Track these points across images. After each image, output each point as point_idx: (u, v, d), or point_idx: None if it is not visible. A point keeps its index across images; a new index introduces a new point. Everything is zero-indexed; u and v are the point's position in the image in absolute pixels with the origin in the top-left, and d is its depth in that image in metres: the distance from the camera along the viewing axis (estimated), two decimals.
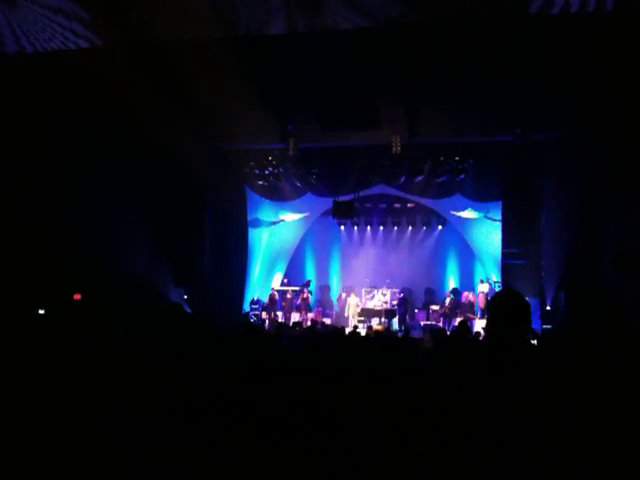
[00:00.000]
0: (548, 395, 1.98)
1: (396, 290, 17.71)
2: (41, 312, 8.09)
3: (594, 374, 2.13)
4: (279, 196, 16.09)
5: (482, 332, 11.28)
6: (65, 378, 2.30)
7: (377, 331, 10.65)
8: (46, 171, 9.93)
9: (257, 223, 16.84)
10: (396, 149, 12.52)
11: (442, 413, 2.03)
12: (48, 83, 9.25)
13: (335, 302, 18.54)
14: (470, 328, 12.23)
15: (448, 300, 16.57)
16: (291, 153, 13.30)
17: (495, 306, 2.48)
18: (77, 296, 11.03)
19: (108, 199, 10.98)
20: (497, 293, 2.72)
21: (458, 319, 14.17)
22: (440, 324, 15.76)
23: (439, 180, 14.57)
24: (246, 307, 16.26)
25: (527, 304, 2.44)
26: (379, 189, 16.34)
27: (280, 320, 16.09)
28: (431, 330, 12.72)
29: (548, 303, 13.03)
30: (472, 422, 1.96)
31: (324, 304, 18.49)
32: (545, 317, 12.90)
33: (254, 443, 2.02)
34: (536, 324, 13.20)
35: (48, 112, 9.60)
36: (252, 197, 16.00)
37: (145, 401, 2.17)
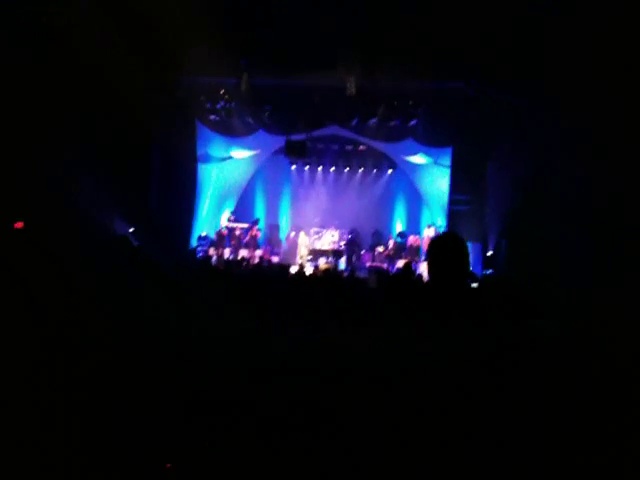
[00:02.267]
0: (546, 394, 2.02)
1: (344, 231, 17.94)
2: None
3: (591, 371, 2.12)
4: (230, 132, 15.74)
5: (425, 274, 11.66)
6: (63, 378, 2.23)
7: (323, 270, 10.85)
8: None
9: (207, 158, 16.53)
10: (350, 91, 12.43)
11: (442, 413, 2.04)
12: None
13: (284, 241, 18.67)
14: (414, 270, 12.64)
15: (392, 243, 16.95)
16: (243, 88, 13.02)
17: (434, 249, 2.52)
18: (19, 224, 10.70)
19: (53, 132, 10.54)
20: (436, 236, 2.75)
21: (401, 261, 14.55)
22: (385, 266, 16.15)
23: (392, 124, 14.57)
24: (194, 242, 16.18)
25: (465, 248, 2.51)
26: (332, 130, 16.21)
27: (227, 257, 16.13)
28: (376, 271, 13.07)
29: (490, 248, 13.52)
30: (470, 420, 1.99)
31: (273, 242, 18.59)
32: (486, 262, 13.43)
33: (253, 443, 2.04)
34: (477, 269, 13.74)
35: None
36: (202, 132, 15.63)
37: (144, 401, 2.17)
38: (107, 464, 2.03)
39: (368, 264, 16.77)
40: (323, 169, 19.15)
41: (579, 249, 9.16)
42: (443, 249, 2.50)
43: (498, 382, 2.05)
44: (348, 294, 5.43)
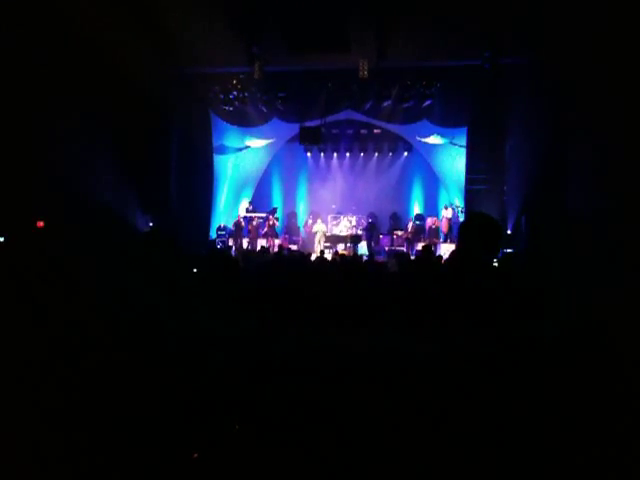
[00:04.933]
0: (546, 394, 2.01)
1: (362, 216, 17.92)
2: (0, 239, 7.96)
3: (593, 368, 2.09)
4: (245, 121, 15.78)
5: (445, 256, 11.59)
6: (63, 378, 2.23)
7: (342, 255, 10.84)
8: (5, 95, 9.48)
9: (223, 149, 16.59)
10: (363, 73, 12.34)
11: (442, 413, 2.03)
12: None
13: (302, 229, 18.70)
14: (434, 252, 12.58)
15: (411, 225, 16.89)
16: (256, 76, 12.97)
17: (468, 228, 2.52)
18: (40, 223, 10.82)
19: (73, 126, 10.59)
20: (470, 215, 2.72)
21: (421, 244, 14.49)
22: (404, 249, 16.11)
23: (406, 105, 14.48)
24: (213, 234, 16.27)
25: (499, 227, 2.49)
26: (346, 115, 16.21)
27: (246, 247, 16.19)
28: (396, 255, 13.02)
29: (509, 227, 13.42)
30: (472, 421, 1.98)
31: (291, 231, 18.66)
32: (506, 241, 13.33)
33: (254, 443, 2.05)
34: None
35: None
36: (217, 123, 15.68)
37: (144, 401, 2.17)
38: (107, 464, 2.03)
39: (387, 248, 16.75)
40: (339, 155, 19.14)
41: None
42: (476, 230, 2.48)
43: (498, 382, 2.04)
44: (370, 277, 5.42)
